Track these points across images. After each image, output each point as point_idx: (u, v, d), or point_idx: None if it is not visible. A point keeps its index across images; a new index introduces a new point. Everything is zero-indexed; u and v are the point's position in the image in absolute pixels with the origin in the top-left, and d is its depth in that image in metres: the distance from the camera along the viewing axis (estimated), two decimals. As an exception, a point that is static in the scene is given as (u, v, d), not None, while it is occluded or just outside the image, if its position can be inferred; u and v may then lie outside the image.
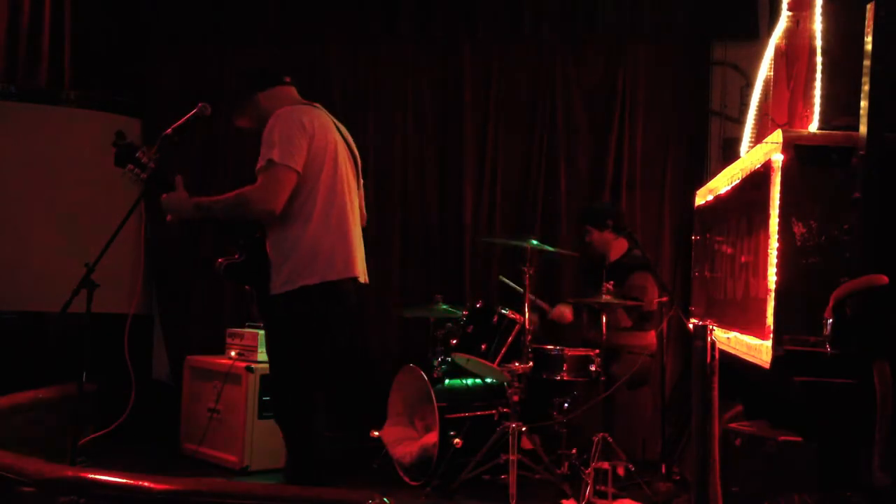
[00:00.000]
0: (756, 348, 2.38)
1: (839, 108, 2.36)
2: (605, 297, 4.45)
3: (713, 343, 2.99)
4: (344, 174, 3.50)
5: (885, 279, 2.09)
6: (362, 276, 3.54)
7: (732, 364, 2.89)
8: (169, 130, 3.51)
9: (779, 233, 2.24)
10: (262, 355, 4.79)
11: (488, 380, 4.86)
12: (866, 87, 2.15)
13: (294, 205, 3.36)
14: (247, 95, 3.54)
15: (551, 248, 4.70)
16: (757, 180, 2.49)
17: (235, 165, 5.76)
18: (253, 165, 3.33)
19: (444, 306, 4.93)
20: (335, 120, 3.60)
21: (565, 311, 4.97)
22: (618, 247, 5.04)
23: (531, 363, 4.42)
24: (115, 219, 3.57)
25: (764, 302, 2.30)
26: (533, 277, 4.48)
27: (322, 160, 3.40)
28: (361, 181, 3.71)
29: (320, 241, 3.37)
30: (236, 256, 3.55)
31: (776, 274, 2.24)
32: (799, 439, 2.94)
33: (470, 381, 4.91)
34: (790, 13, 2.75)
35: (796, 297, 2.23)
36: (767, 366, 2.26)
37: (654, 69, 5.72)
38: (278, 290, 3.38)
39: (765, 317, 2.28)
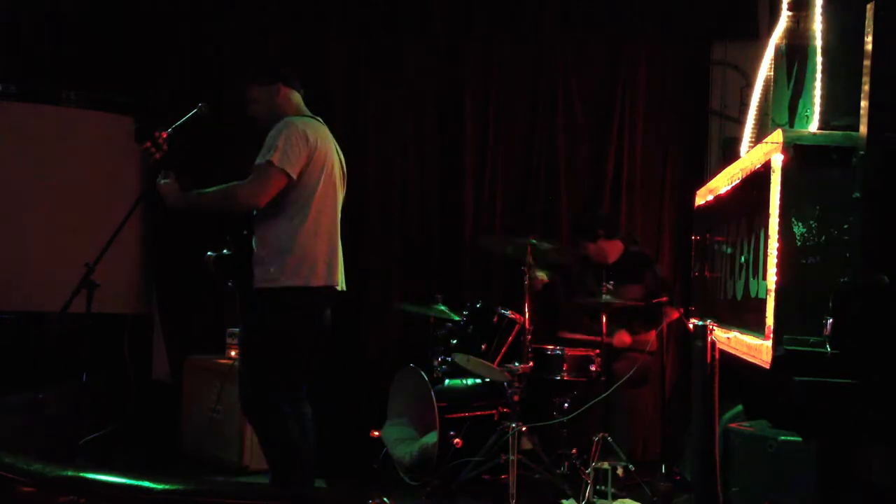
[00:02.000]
0: (756, 348, 2.38)
1: (839, 108, 2.36)
2: (605, 297, 4.46)
3: (713, 343, 2.99)
4: (335, 190, 3.67)
5: (885, 279, 2.09)
6: (341, 284, 3.71)
7: (732, 364, 2.88)
8: (170, 131, 3.58)
9: (779, 233, 2.24)
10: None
11: (488, 380, 4.86)
12: (866, 87, 2.15)
13: (290, 209, 3.54)
14: (270, 81, 3.70)
15: (550, 246, 4.71)
16: (757, 180, 2.49)
17: (233, 165, 5.75)
18: (249, 158, 3.49)
19: (444, 307, 4.93)
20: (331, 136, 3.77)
21: (624, 337, 4.91)
22: (614, 250, 5.07)
23: (531, 363, 4.42)
24: (115, 219, 3.59)
25: (764, 302, 2.30)
26: (533, 277, 4.49)
27: (320, 172, 3.59)
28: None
29: (308, 246, 3.54)
30: (224, 251, 3.68)
31: (776, 274, 2.24)
32: (799, 439, 2.94)
33: (470, 381, 4.91)
34: (790, 13, 2.75)
35: (796, 297, 2.23)
36: (767, 366, 2.26)
37: (654, 69, 5.72)
38: (260, 286, 3.52)
39: (765, 317, 2.28)
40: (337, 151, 3.77)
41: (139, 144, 3.59)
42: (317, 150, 3.56)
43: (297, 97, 3.77)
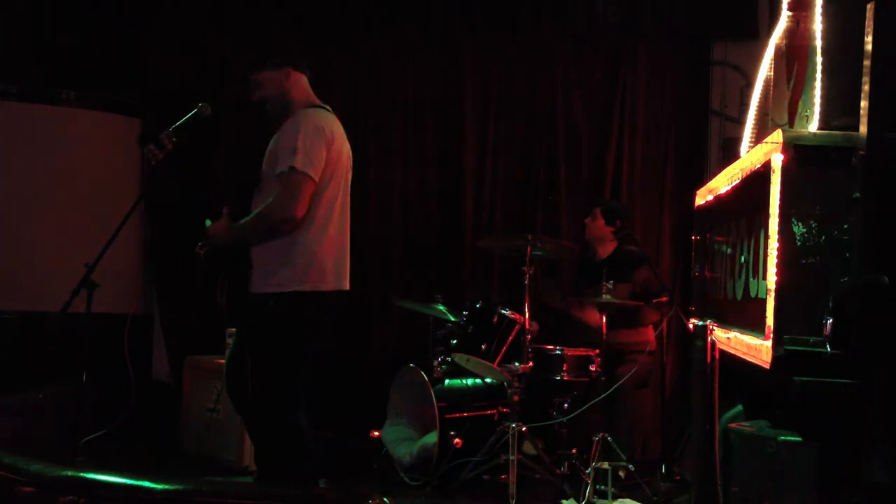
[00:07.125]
0: (756, 348, 2.38)
1: (839, 108, 2.36)
2: (605, 297, 4.46)
3: (713, 343, 2.99)
4: (346, 182, 3.53)
5: (885, 279, 2.09)
6: (347, 284, 3.56)
7: (732, 364, 2.89)
8: (171, 131, 3.52)
9: (779, 233, 2.24)
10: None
11: (488, 380, 4.86)
12: (866, 87, 2.15)
13: None
14: (279, 65, 3.52)
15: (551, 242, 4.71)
16: (757, 180, 2.49)
17: (232, 165, 5.75)
18: (249, 158, 3.37)
19: (444, 307, 4.92)
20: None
21: (594, 316, 4.86)
22: (609, 246, 5.10)
23: (531, 363, 4.42)
24: (115, 219, 3.57)
25: (764, 302, 2.30)
26: (533, 277, 4.49)
27: (334, 169, 3.43)
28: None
29: (317, 249, 3.38)
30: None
31: (776, 274, 2.24)
32: (799, 439, 2.94)
33: (470, 381, 4.91)
34: (790, 13, 2.75)
35: (796, 297, 2.23)
36: (767, 366, 2.26)
37: (654, 69, 5.72)
38: (268, 290, 3.37)
39: (765, 317, 2.28)
40: (344, 138, 3.60)
41: (143, 146, 3.48)
42: (333, 145, 3.40)
43: (305, 82, 3.60)
